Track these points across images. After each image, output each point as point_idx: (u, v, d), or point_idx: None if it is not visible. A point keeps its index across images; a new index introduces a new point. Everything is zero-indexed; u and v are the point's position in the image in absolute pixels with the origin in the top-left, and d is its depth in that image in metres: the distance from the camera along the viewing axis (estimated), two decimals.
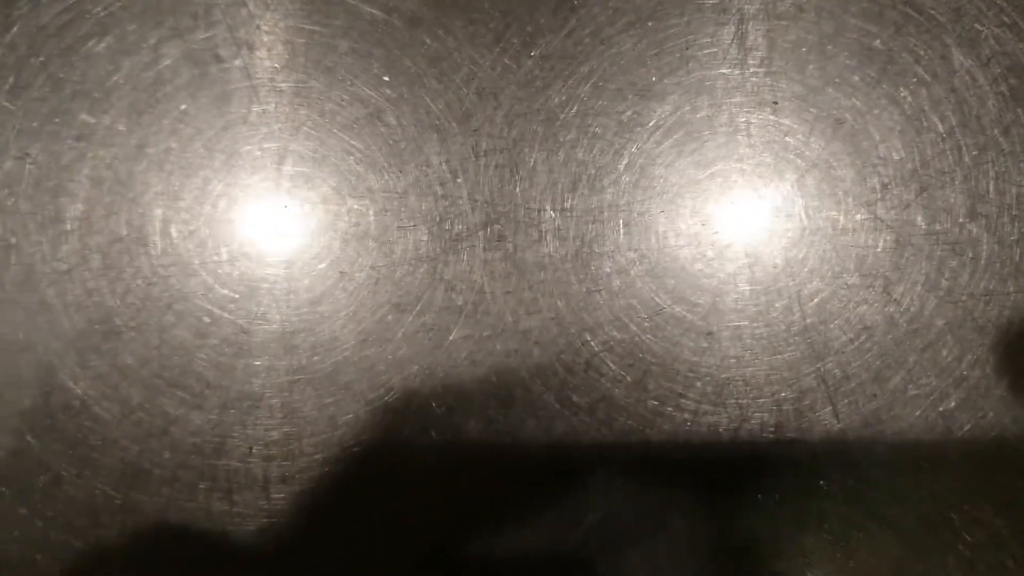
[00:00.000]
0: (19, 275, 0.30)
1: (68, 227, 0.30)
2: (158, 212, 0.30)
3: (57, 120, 0.30)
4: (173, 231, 0.30)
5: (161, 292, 0.30)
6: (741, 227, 0.31)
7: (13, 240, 0.30)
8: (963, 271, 0.30)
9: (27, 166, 0.30)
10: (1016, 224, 0.30)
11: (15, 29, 0.30)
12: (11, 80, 0.30)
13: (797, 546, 0.30)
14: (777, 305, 0.30)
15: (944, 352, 0.30)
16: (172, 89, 0.30)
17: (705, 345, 0.30)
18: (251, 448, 0.30)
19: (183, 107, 0.30)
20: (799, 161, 0.31)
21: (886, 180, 0.30)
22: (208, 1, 0.30)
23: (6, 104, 0.30)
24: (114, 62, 0.30)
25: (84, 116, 0.30)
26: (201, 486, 0.30)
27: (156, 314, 0.30)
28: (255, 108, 0.30)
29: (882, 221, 0.30)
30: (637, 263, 0.31)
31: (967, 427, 0.30)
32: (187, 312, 0.30)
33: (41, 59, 0.30)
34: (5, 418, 0.30)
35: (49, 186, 0.30)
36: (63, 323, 0.30)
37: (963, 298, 0.30)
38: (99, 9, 0.30)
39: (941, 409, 0.30)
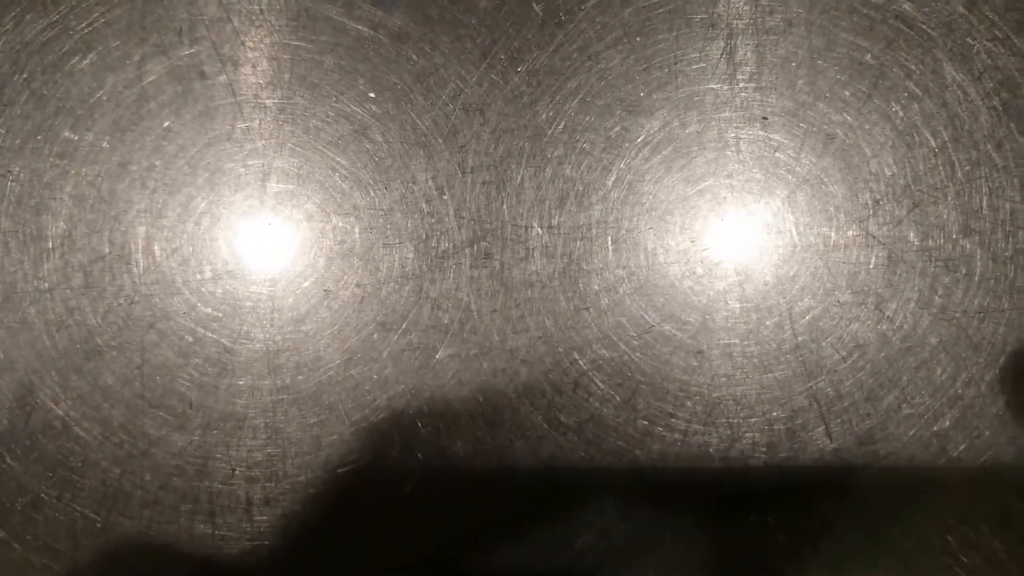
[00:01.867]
0: (0, 294, 0.29)
1: (50, 245, 0.30)
2: (141, 230, 0.30)
3: (39, 137, 0.30)
4: (156, 249, 0.30)
5: (143, 311, 0.30)
6: (731, 244, 0.30)
7: None
8: (957, 288, 0.30)
9: (9, 183, 0.30)
10: (1010, 240, 0.30)
11: None
12: None
13: (791, 567, 0.30)
14: (768, 323, 0.30)
15: (938, 370, 0.30)
16: (156, 106, 0.30)
17: (695, 364, 0.30)
18: (234, 469, 0.30)
19: (167, 124, 0.30)
20: (789, 177, 0.30)
21: (878, 196, 0.30)
22: (192, 17, 0.30)
23: None
24: (97, 79, 0.30)
25: (67, 133, 0.30)
26: (183, 508, 0.29)
27: (138, 333, 0.30)
28: (239, 125, 0.30)
29: (874, 237, 0.30)
30: (626, 281, 0.30)
31: (962, 447, 0.30)
32: (170, 331, 0.30)
33: (24, 76, 0.30)
34: None
35: (31, 204, 0.30)
36: (44, 342, 0.29)
37: (957, 315, 0.30)
38: (83, 26, 0.30)
39: (936, 428, 0.30)
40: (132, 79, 0.30)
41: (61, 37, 0.30)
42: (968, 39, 0.30)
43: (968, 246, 0.30)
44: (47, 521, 0.29)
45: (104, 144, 0.30)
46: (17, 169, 0.30)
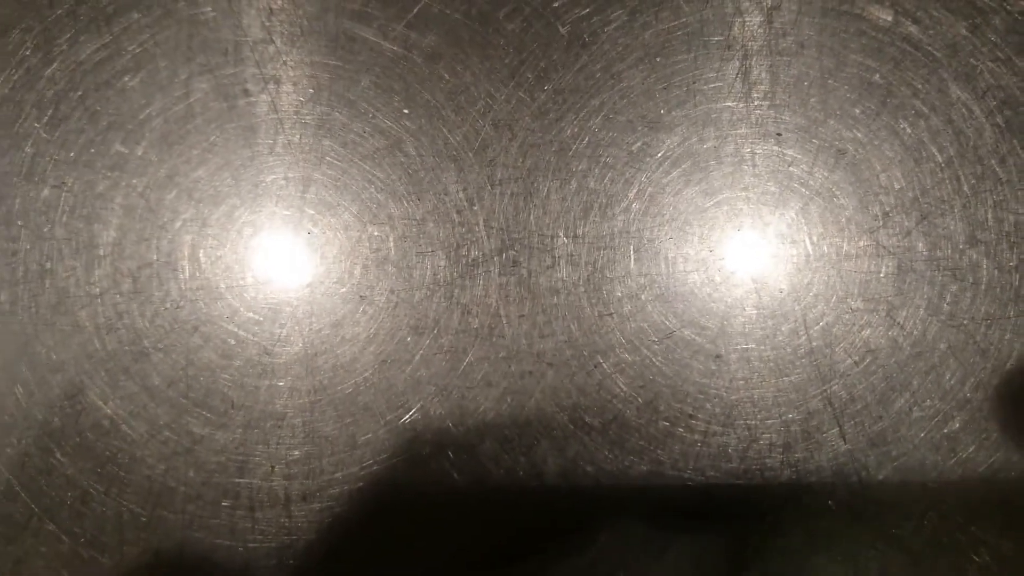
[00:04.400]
0: (53, 298, 0.31)
1: (101, 252, 0.31)
2: (187, 238, 0.31)
3: (92, 151, 0.32)
4: (201, 256, 0.31)
5: (189, 315, 0.31)
6: (747, 254, 0.32)
7: (48, 265, 0.31)
8: (964, 296, 0.31)
9: (63, 194, 0.31)
10: (1015, 250, 0.31)
11: (55, 65, 0.32)
12: (50, 112, 0.31)
13: (806, 566, 0.31)
14: (783, 329, 0.31)
15: (947, 375, 0.31)
16: (202, 121, 0.32)
17: (714, 367, 0.31)
18: (273, 467, 0.31)
19: (212, 139, 0.32)
20: (803, 190, 0.32)
21: (887, 208, 0.32)
22: (237, 38, 0.32)
23: (44, 135, 0.31)
24: (147, 96, 0.32)
25: (118, 147, 0.32)
26: (224, 504, 0.31)
27: (183, 336, 0.31)
28: (281, 139, 0.32)
29: (884, 248, 0.31)
30: (647, 288, 0.32)
31: (971, 448, 0.31)
32: (213, 334, 0.31)
33: (79, 93, 0.32)
34: (36, 436, 0.31)
35: (84, 213, 0.31)
36: (94, 344, 0.31)
37: (965, 322, 0.31)
38: (134, 46, 0.32)
39: (945, 431, 0.31)
40: (180, 96, 0.32)
41: (113, 57, 0.32)
42: (972, 60, 0.32)
43: (974, 256, 0.31)
44: (95, 515, 0.31)
45: (153, 157, 0.32)
46: (71, 181, 0.31)
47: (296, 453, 0.31)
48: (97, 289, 0.31)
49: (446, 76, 0.32)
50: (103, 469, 0.31)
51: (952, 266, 0.31)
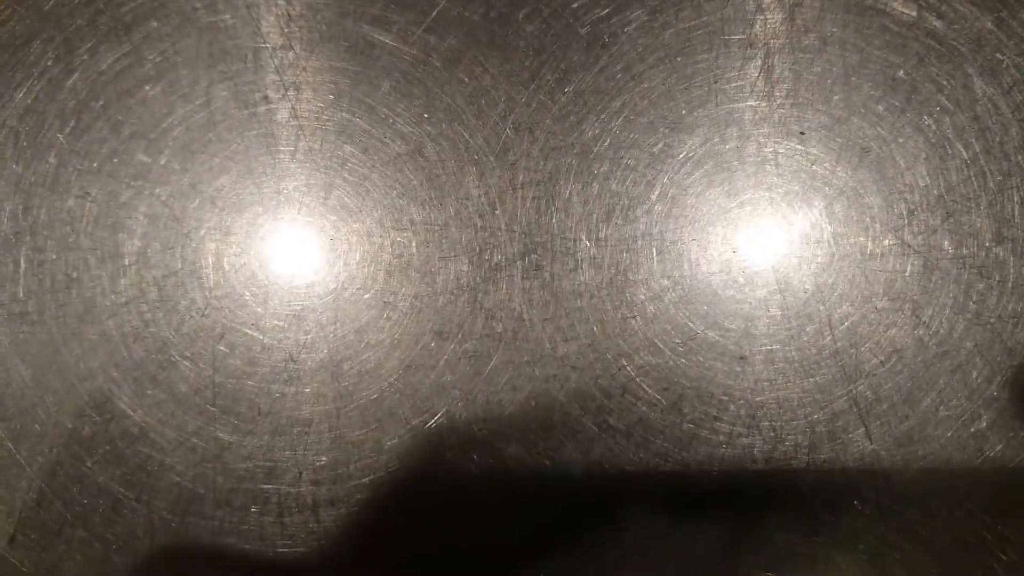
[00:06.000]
0: (80, 308, 0.31)
1: (126, 262, 0.32)
2: (211, 246, 0.32)
3: (115, 160, 0.32)
4: (225, 264, 0.32)
5: (214, 323, 0.31)
6: (771, 254, 0.32)
7: (75, 275, 0.31)
8: (990, 294, 0.31)
9: (87, 204, 0.32)
10: None
11: (76, 75, 0.32)
12: (72, 123, 0.32)
13: (833, 566, 0.31)
14: (808, 329, 0.31)
15: (974, 373, 0.31)
16: (223, 129, 0.32)
17: (738, 369, 0.31)
18: (301, 472, 0.31)
19: (233, 146, 0.32)
20: (827, 189, 0.32)
21: (912, 206, 0.31)
22: (257, 45, 0.32)
23: (67, 145, 0.32)
24: (168, 105, 0.32)
25: (141, 156, 0.32)
26: (253, 509, 0.31)
27: (209, 344, 0.31)
28: (302, 145, 0.32)
29: (909, 246, 0.31)
30: (670, 290, 0.32)
31: (999, 447, 0.31)
32: (238, 342, 0.31)
33: (101, 103, 0.32)
34: (67, 445, 0.31)
35: (108, 223, 0.32)
36: (121, 353, 0.31)
37: (991, 320, 0.31)
38: (154, 55, 0.32)
39: (972, 430, 0.31)
40: (200, 104, 0.32)
41: (134, 66, 0.32)
42: (997, 54, 0.31)
43: (1001, 253, 0.31)
44: (125, 522, 0.31)
45: (176, 166, 0.32)
46: (95, 191, 0.32)
47: (323, 459, 0.31)
48: (123, 298, 0.31)
49: (466, 79, 0.32)
50: (133, 476, 0.31)
51: (978, 264, 0.31)
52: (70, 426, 0.31)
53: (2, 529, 0.31)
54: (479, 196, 0.32)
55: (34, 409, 0.31)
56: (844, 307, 0.31)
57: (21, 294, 0.31)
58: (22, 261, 0.31)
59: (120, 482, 0.31)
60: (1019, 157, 0.31)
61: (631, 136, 0.32)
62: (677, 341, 0.31)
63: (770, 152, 0.32)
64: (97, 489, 0.31)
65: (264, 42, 0.32)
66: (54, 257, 0.31)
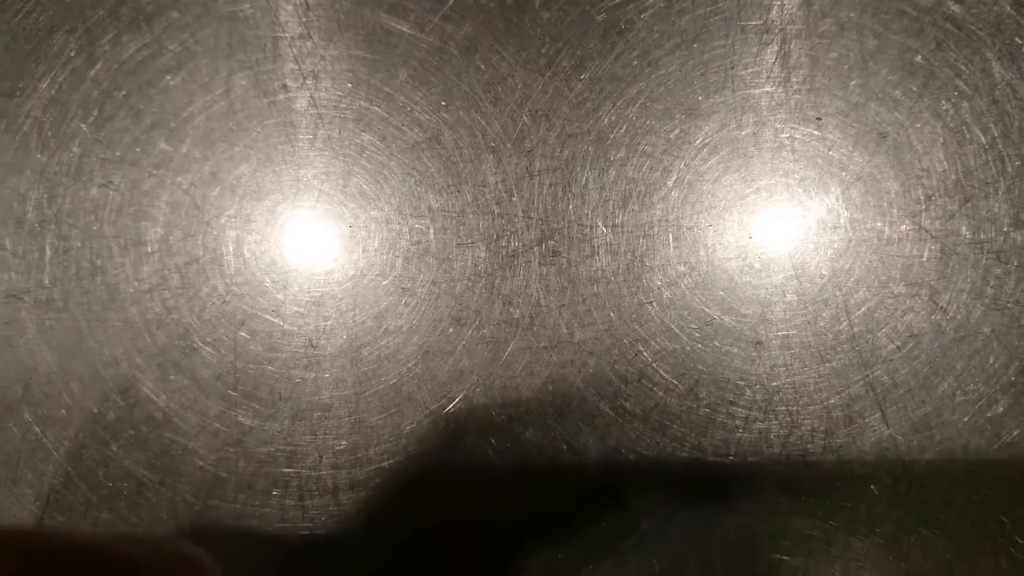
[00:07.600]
0: (104, 295, 0.32)
1: (149, 249, 0.32)
2: (232, 234, 0.32)
3: (137, 149, 0.32)
4: (246, 252, 0.32)
5: (235, 309, 0.32)
6: (787, 239, 0.32)
7: (99, 262, 0.32)
8: (1008, 279, 0.31)
9: (110, 193, 0.32)
10: None
11: (98, 65, 0.32)
12: (95, 113, 0.32)
13: (849, 550, 0.31)
14: (824, 314, 0.31)
15: (991, 359, 0.31)
16: (243, 118, 0.32)
17: (754, 354, 0.31)
18: (321, 456, 0.32)
19: (253, 135, 0.32)
20: (843, 174, 0.32)
21: (930, 191, 0.31)
22: (276, 35, 0.32)
23: (91, 135, 0.32)
24: (189, 94, 0.32)
25: (162, 145, 0.32)
26: (274, 493, 0.32)
27: (231, 330, 0.32)
28: (320, 133, 0.32)
29: (927, 231, 0.31)
30: (687, 276, 0.32)
31: (1016, 432, 0.31)
32: (259, 328, 0.32)
33: (123, 93, 0.32)
34: (92, 430, 0.32)
35: (131, 211, 0.32)
36: (145, 339, 0.32)
37: (1009, 305, 0.31)
38: (175, 45, 0.32)
39: (989, 415, 0.31)
40: (221, 94, 0.32)
41: (155, 56, 0.32)
42: (1016, 38, 0.31)
43: (1019, 238, 0.31)
44: (150, 505, 0.32)
45: (197, 155, 0.32)
46: (118, 180, 0.32)
47: (343, 443, 0.32)
48: (146, 285, 0.32)
49: (483, 67, 0.32)
50: (157, 460, 0.32)
51: (996, 249, 0.31)
52: (95, 411, 0.32)
53: (30, 511, 0.32)
54: (496, 183, 0.32)
55: (60, 395, 0.32)
56: (861, 292, 0.31)
57: (47, 281, 0.32)
58: (47, 249, 0.32)
59: (144, 466, 0.32)
60: None
61: (647, 123, 0.32)
62: (694, 327, 0.32)
63: (787, 138, 0.32)
64: (122, 473, 0.32)
65: (283, 31, 0.32)
66: (79, 245, 0.32)
